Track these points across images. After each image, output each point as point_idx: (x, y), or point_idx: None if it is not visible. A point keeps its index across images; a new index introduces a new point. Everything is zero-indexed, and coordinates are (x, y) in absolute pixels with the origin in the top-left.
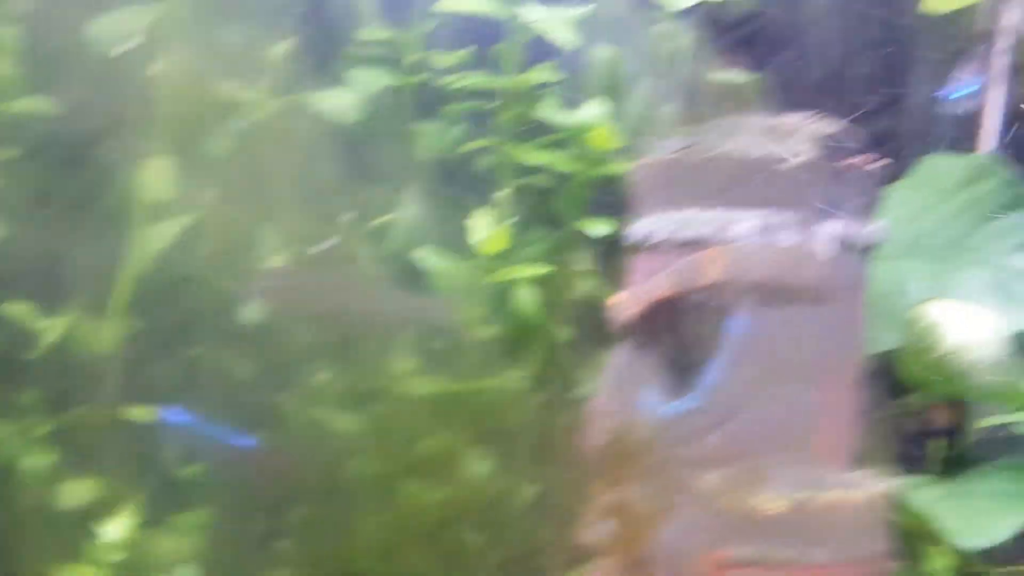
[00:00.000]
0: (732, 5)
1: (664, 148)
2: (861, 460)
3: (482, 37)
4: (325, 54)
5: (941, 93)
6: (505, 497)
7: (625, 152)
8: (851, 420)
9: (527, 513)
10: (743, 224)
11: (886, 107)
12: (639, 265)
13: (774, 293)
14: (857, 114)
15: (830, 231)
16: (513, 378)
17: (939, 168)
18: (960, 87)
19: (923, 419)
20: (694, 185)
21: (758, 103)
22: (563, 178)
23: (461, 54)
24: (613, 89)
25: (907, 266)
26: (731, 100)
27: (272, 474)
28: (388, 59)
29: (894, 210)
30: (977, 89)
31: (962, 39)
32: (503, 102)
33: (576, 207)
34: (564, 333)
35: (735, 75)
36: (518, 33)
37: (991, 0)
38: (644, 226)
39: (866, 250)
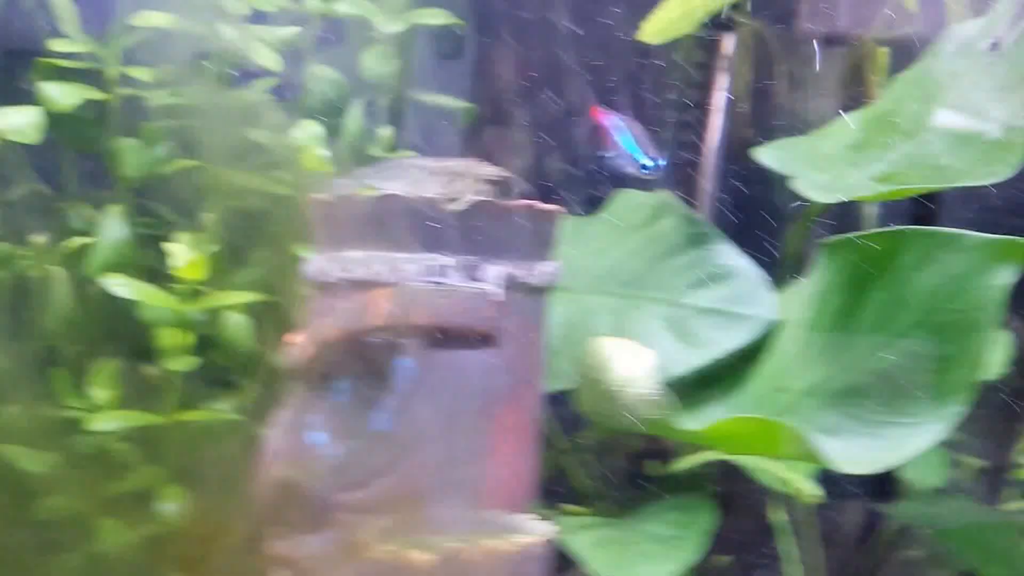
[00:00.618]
0: (449, 31)
1: (336, 186)
2: (537, 501)
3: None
4: (16, 67)
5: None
6: (210, 536)
7: (340, 175)
8: (526, 461)
9: (233, 553)
10: (411, 265)
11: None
12: (314, 304)
13: (443, 334)
14: (566, 146)
15: (500, 272)
16: (222, 410)
17: (628, 203)
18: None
19: (640, 449)
20: (364, 224)
21: (470, 130)
22: (278, 201)
23: (164, 70)
24: (328, 111)
25: (594, 301)
26: (446, 127)
27: None
28: (88, 73)
29: (586, 243)
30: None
31: (682, 71)
32: (210, 121)
33: (292, 232)
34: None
35: (447, 100)
36: (222, 51)
37: (710, 30)
38: (318, 264)
39: (541, 290)
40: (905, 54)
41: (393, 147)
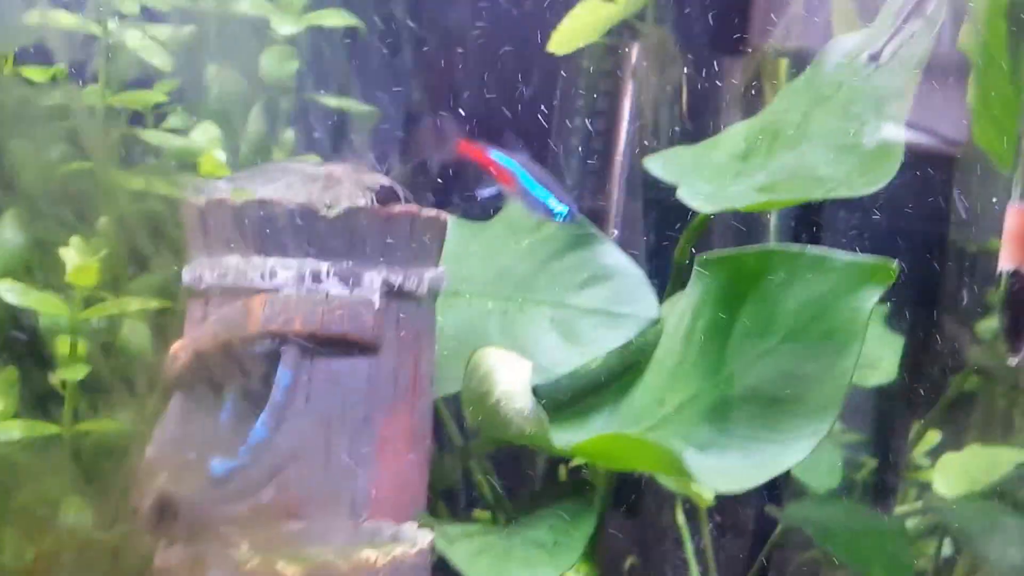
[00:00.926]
0: (348, 33)
1: (211, 189)
2: (440, 509)
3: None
4: None
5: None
6: (111, 549)
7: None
8: (413, 470)
9: (115, 563)
10: (287, 272)
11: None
12: (191, 312)
13: (321, 343)
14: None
15: (380, 279)
16: (122, 420)
17: (520, 208)
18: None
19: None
20: (239, 230)
21: (372, 133)
22: (176, 206)
23: (56, 69)
24: (227, 113)
25: (485, 305)
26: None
27: None
28: None
29: (479, 248)
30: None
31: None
32: (104, 123)
33: None
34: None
35: (350, 103)
36: (114, 51)
37: (616, 40)
38: (192, 270)
39: (425, 296)
40: (806, 64)
41: (295, 150)
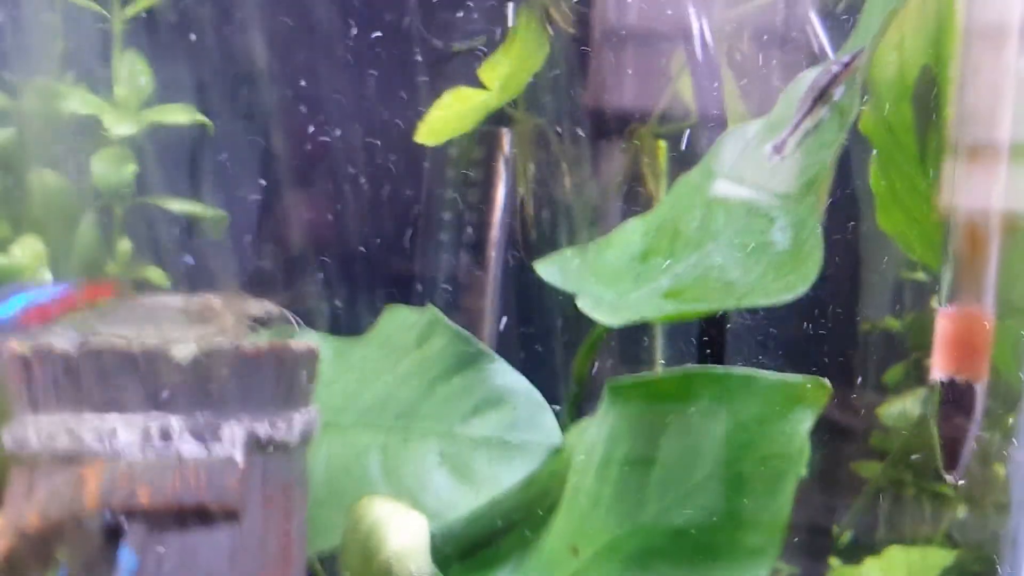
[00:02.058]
0: (187, 133)
1: (37, 336)
2: None
3: None
4: None
5: None
6: None
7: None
8: None
9: None
10: (129, 432)
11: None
12: (14, 482)
13: (173, 513)
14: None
15: (241, 432)
16: None
17: (396, 322)
18: None
19: None
20: (71, 383)
21: (221, 237)
22: None
23: None
24: (54, 224)
25: (364, 437)
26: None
27: None
28: None
29: (354, 369)
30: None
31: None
32: None
33: None
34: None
35: (194, 206)
36: None
37: (487, 126)
38: (15, 432)
39: (296, 444)
40: (683, 144)
41: (132, 262)
